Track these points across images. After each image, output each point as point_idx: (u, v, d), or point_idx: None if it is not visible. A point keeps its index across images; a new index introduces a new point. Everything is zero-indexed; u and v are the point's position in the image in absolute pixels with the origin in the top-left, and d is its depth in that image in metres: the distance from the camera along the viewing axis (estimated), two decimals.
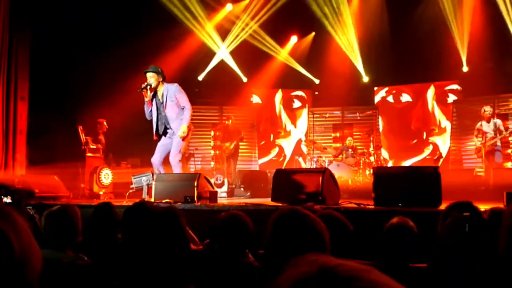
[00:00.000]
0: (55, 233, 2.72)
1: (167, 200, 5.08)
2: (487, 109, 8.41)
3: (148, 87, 5.87)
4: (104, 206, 3.23)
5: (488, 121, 8.34)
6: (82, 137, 8.22)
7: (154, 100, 6.00)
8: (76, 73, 9.05)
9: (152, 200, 5.30)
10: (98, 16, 9.12)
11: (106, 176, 8.12)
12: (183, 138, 5.88)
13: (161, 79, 5.95)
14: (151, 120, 6.13)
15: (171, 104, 5.89)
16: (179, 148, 5.89)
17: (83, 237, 2.99)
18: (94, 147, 8.35)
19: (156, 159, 6.00)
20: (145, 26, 9.53)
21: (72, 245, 2.78)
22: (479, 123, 8.50)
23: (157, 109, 6.00)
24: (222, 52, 11.18)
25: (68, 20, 8.83)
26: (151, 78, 5.90)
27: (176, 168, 5.90)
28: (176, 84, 6.05)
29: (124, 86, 8.54)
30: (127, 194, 6.22)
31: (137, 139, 9.45)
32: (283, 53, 11.74)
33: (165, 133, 6.01)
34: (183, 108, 5.94)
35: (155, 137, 6.08)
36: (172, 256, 1.59)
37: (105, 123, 8.72)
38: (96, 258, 2.74)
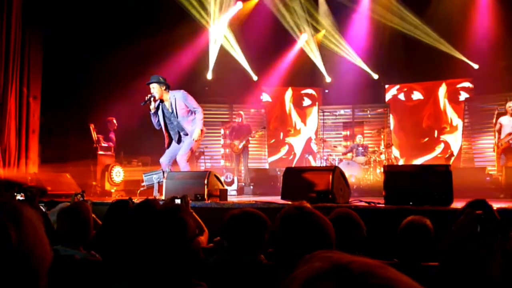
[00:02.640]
0: (67, 230, 2.75)
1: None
2: (510, 104, 8.18)
3: (152, 98, 5.84)
4: (121, 203, 3.25)
5: (511, 116, 8.14)
6: (94, 135, 8.30)
7: (162, 110, 5.98)
8: (88, 71, 9.12)
9: (163, 197, 5.33)
10: (109, 14, 9.18)
11: (118, 174, 8.19)
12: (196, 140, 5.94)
13: (164, 88, 5.90)
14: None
15: (182, 111, 5.90)
16: (189, 148, 5.94)
17: (96, 235, 3.02)
18: (106, 145, 8.43)
19: (165, 159, 6.06)
20: (156, 24, 9.57)
21: (84, 242, 2.81)
22: (500, 118, 8.27)
23: (167, 118, 5.99)
24: (234, 50, 11.20)
25: (80, 18, 8.90)
26: (154, 89, 5.86)
27: (184, 168, 5.94)
28: (182, 91, 6.00)
29: (135, 84, 8.59)
30: (138, 191, 6.27)
31: (147, 137, 9.50)
32: (294, 51, 11.73)
33: (180, 140, 6.03)
34: (194, 113, 5.97)
35: (166, 146, 6.07)
36: (176, 254, 1.59)
37: (115, 121, 8.79)
38: (108, 255, 2.76)
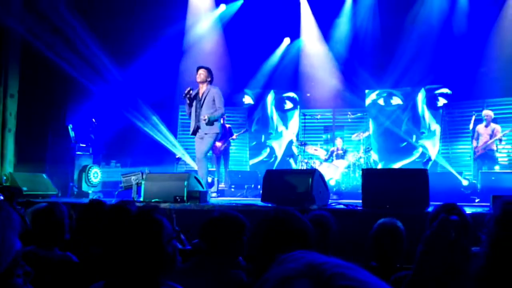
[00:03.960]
0: (42, 231, 2.70)
1: (156, 200, 5.07)
2: (487, 113, 8.47)
3: (190, 92, 6.20)
4: (95, 203, 3.21)
5: (487, 125, 8.40)
6: (72, 135, 8.17)
7: (195, 99, 6.28)
8: (67, 70, 8.99)
9: (141, 199, 5.28)
10: (90, 12, 9.07)
11: (95, 174, 8.08)
12: (214, 139, 6.27)
13: (209, 79, 6.26)
14: None
15: (207, 105, 6.16)
16: (208, 147, 6.25)
17: (71, 236, 2.97)
18: (84, 145, 8.30)
19: (199, 154, 6.29)
20: (137, 23, 9.51)
21: (59, 243, 2.77)
22: (479, 125, 8.53)
23: (195, 107, 6.27)
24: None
25: (60, 16, 8.76)
26: (202, 73, 6.23)
27: (203, 164, 6.22)
28: (218, 88, 6.36)
29: (115, 82, 8.51)
30: (116, 193, 6.20)
31: (127, 137, 9.42)
32: (276, 55, 11.79)
33: (196, 131, 6.28)
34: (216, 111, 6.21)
35: (191, 133, 6.37)
36: (150, 256, 1.58)
37: (94, 120, 8.67)
38: (84, 256, 2.72)
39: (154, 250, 1.59)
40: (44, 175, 7.18)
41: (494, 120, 9.58)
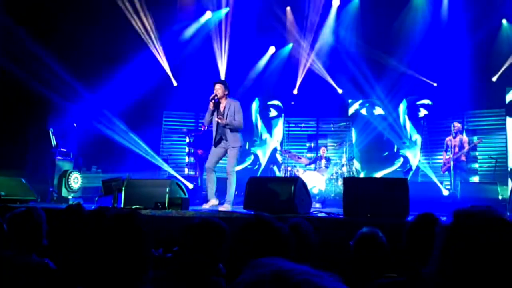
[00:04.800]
0: (19, 237, 2.65)
1: (137, 206, 5.02)
2: (456, 124, 8.65)
3: (215, 98, 6.19)
4: (73, 208, 3.17)
5: (455, 137, 8.58)
6: (53, 140, 8.05)
7: (216, 111, 6.27)
8: (49, 73, 8.88)
9: (122, 206, 5.23)
10: (72, 15, 9.01)
11: (76, 180, 7.97)
12: (240, 152, 6.30)
13: (226, 92, 6.28)
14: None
15: (230, 119, 6.17)
16: (235, 160, 6.26)
17: (49, 242, 2.92)
18: (65, 150, 8.19)
19: (211, 164, 6.26)
20: (122, 27, 9.47)
21: (37, 249, 2.72)
22: (448, 138, 8.73)
23: (216, 120, 6.27)
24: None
25: (41, 18, 8.68)
26: (219, 89, 6.21)
27: (232, 177, 6.21)
28: (238, 102, 6.40)
29: (97, 87, 8.43)
30: (96, 199, 6.12)
31: (109, 143, 9.33)
32: (261, 62, 11.85)
33: (218, 143, 6.27)
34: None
35: (214, 144, 6.36)
36: (132, 262, 1.57)
37: (75, 125, 8.57)
38: (62, 262, 2.68)
39: (133, 255, 1.58)
40: (23, 180, 7.04)
41: (473, 131, 9.79)
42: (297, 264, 0.64)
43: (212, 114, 6.26)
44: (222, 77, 11.42)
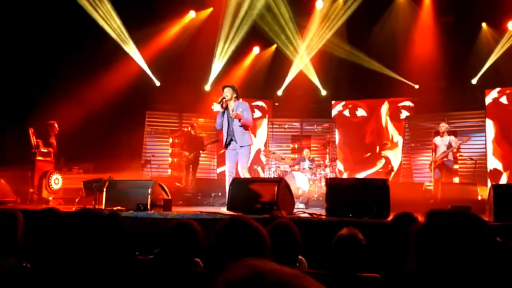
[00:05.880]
0: None
1: (118, 208, 4.96)
2: (443, 125, 8.75)
3: (224, 100, 6.37)
4: (49, 212, 3.11)
5: (442, 137, 8.68)
6: (33, 139, 7.92)
7: (225, 113, 6.47)
8: (28, 73, 8.74)
9: (103, 207, 5.16)
10: (53, 18, 8.88)
11: (56, 181, 7.85)
12: (250, 150, 6.52)
13: (235, 95, 6.49)
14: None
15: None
16: (247, 159, 6.48)
17: (27, 244, 2.87)
18: (45, 150, 8.06)
19: (230, 169, 6.43)
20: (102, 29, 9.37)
21: (14, 251, 2.67)
22: (435, 138, 8.81)
23: (227, 122, 6.46)
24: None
25: (21, 20, 8.54)
26: (227, 92, 6.44)
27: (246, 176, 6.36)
28: (246, 103, 6.63)
29: (78, 87, 8.32)
30: (77, 200, 6.04)
31: (90, 143, 9.21)
32: (245, 63, 11.85)
33: (228, 144, 6.47)
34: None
35: (224, 146, 6.55)
36: (114, 264, 1.55)
37: (56, 125, 8.43)
38: (40, 265, 2.63)
39: (114, 257, 1.57)
40: (2, 181, 6.92)
41: (454, 133, 9.94)
42: (278, 265, 0.64)
43: (222, 116, 6.44)
44: (209, 76, 11.42)
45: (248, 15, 11.08)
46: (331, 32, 11.02)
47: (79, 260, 1.57)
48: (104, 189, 5.32)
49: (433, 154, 8.64)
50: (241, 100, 6.64)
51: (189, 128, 10.21)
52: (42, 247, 2.65)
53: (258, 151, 12.12)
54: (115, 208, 4.94)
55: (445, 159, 8.54)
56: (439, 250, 1.03)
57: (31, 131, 7.91)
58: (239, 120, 6.25)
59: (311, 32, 11.25)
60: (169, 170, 11.14)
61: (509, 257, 2.26)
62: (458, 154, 10.05)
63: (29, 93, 8.87)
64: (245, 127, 6.38)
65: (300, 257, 2.81)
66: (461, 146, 9.76)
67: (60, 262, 2.56)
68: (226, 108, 6.44)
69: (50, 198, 7.61)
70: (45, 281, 2.45)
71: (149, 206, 5.03)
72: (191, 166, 9.86)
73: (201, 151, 10.02)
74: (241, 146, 6.36)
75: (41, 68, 8.69)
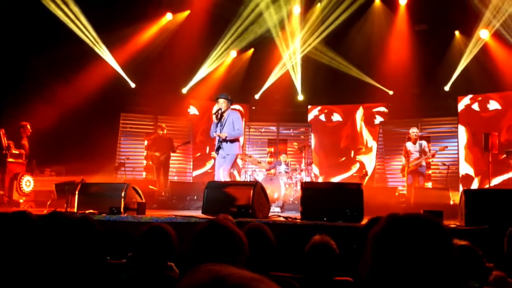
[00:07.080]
0: None
1: (91, 211, 4.88)
2: (414, 130, 8.89)
3: (220, 111, 6.62)
4: (21, 215, 3.03)
5: (414, 142, 8.82)
6: (4, 141, 7.71)
7: (218, 123, 6.73)
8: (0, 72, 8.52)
9: (75, 210, 5.07)
10: (25, 19, 8.70)
11: (28, 183, 7.67)
12: (234, 158, 6.77)
13: (229, 105, 6.78)
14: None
15: (228, 127, 6.63)
16: (230, 165, 6.75)
17: None
18: (17, 152, 7.86)
19: (219, 176, 6.67)
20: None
21: None
22: (406, 144, 8.94)
23: (220, 131, 6.70)
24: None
25: None
26: (223, 103, 6.67)
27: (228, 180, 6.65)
28: (238, 112, 7.03)
29: (51, 88, 8.15)
30: (49, 203, 5.91)
31: (63, 145, 9.03)
32: (222, 66, 11.86)
33: (217, 150, 6.72)
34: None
35: (215, 151, 6.82)
36: (86, 268, 1.53)
37: (29, 126, 8.24)
38: (9, 270, 2.56)
39: (86, 261, 1.54)
40: None
41: (427, 138, 10.16)
42: (237, 269, 0.65)
43: (217, 126, 6.72)
44: (186, 79, 11.36)
45: (225, 19, 11.10)
46: (312, 37, 11.13)
47: (47, 264, 1.54)
48: (77, 192, 5.22)
49: (405, 159, 8.77)
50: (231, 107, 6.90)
51: (158, 130, 10.13)
52: (12, 252, 2.58)
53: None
54: (87, 211, 4.85)
55: (418, 165, 8.69)
56: (393, 253, 1.06)
57: (2, 132, 7.71)
58: (226, 138, 6.55)
59: (289, 36, 11.34)
60: (144, 173, 11.01)
61: (474, 259, 2.32)
62: (430, 160, 10.27)
63: (2, 93, 8.64)
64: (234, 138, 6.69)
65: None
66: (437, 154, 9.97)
67: (29, 267, 2.50)
68: (220, 118, 6.67)
69: (21, 201, 7.43)
70: (14, 286, 2.39)
71: (122, 210, 4.96)
72: (162, 168, 9.78)
73: (171, 153, 9.95)
74: (227, 154, 6.67)
75: (10, 68, 8.47)
